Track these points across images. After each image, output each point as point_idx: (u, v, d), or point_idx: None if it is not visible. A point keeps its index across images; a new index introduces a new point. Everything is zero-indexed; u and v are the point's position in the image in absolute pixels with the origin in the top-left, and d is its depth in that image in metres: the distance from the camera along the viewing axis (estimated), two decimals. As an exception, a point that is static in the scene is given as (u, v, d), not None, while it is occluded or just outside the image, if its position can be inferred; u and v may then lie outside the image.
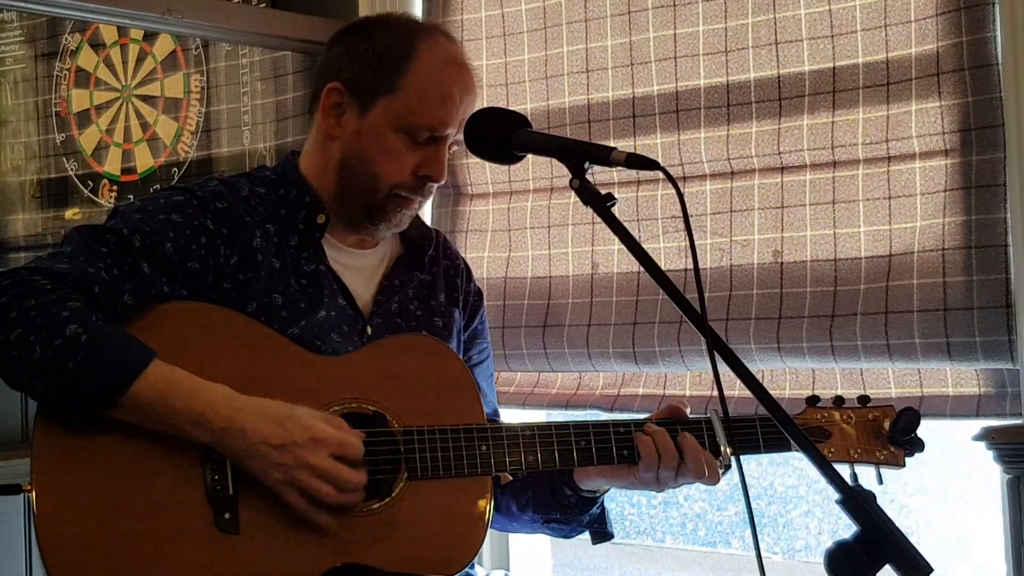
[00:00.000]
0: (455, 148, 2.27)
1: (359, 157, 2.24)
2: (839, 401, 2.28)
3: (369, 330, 2.27)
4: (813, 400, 2.29)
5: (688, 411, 2.27)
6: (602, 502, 2.37)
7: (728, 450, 2.18)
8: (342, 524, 2.04)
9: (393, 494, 2.09)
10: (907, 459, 2.26)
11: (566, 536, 2.45)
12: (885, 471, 2.24)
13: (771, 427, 2.22)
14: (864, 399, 2.28)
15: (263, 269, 2.18)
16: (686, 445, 2.18)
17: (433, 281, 2.41)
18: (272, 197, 2.27)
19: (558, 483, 2.32)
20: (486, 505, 2.15)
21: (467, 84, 2.25)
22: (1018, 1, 2.67)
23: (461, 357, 2.37)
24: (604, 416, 3.35)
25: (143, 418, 1.96)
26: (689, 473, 2.18)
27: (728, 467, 2.20)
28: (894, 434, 2.24)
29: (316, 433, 2.00)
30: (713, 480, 2.19)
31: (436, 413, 2.15)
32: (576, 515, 2.35)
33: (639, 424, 2.23)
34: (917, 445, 2.25)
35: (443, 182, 2.26)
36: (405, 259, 2.39)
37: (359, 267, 2.32)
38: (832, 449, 2.23)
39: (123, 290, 2.03)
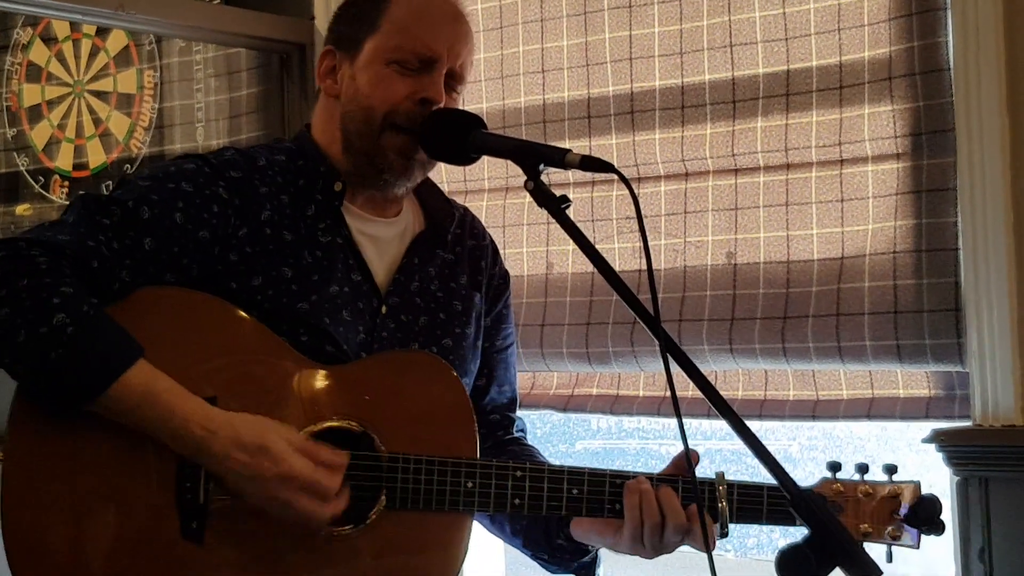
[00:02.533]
0: (457, 91, 2.19)
1: (354, 98, 2.16)
2: (862, 469, 2.08)
3: (384, 309, 2.18)
4: (834, 466, 2.09)
5: (697, 466, 2.05)
6: (596, 552, 2.25)
7: (724, 515, 2.04)
8: (309, 547, 1.99)
9: (368, 521, 2.02)
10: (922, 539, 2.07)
11: (550, 572, 2.33)
12: (897, 549, 2.07)
13: (778, 498, 2.05)
14: (891, 469, 2.07)
15: (271, 243, 2.09)
16: (666, 504, 2.05)
17: (456, 261, 2.31)
18: (292, 167, 2.18)
19: (553, 528, 2.22)
20: (462, 544, 2.07)
21: (452, 12, 2.21)
22: (970, 6, 2.70)
23: (481, 342, 2.30)
24: (557, 416, 3.36)
25: (118, 419, 1.92)
26: (673, 534, 2.04)
27: (726, 535, 2.03)
28: (910, 521, 2.05)
29: (286, 471, 1.93)
30: (701, 546, 2.00)
31: (426, 441, 2.05)
32: (566, 560, 2.25)
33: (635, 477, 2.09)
34: (936, 528, 2.05)
35: (441, 104, 2.13)
36: (427, 236, 2.28)
37: (382, 237, 2.23)
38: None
39: (122, 266, 1.96)
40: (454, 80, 2.18)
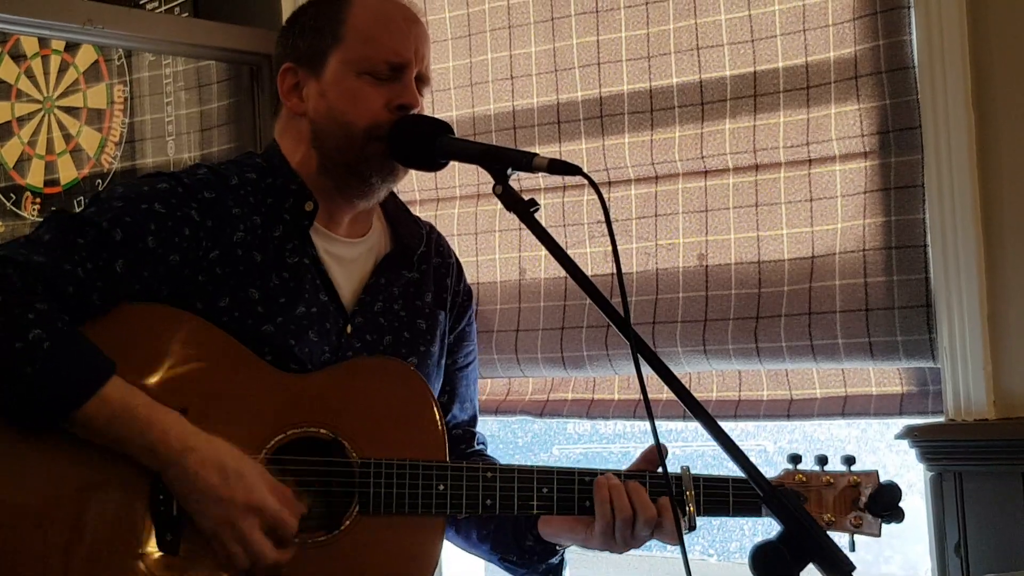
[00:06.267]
0: (423, 95, 2.21)
1: (328, 115, 2.18)
2: (821, 461, 2.17)
3: (349, 329, 2.20)
4: (795, 459, 2.19)
5: (666, 456, 2.10)
6: (562, 554, 2.30)
7: (691, 509, 2.09)
8: (284, 553, 1.99)
9: (341, 527, 2.04)
10: (883, 527, 2.16)
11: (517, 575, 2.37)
12: (860, 538, 2.15)
13: (744, 491, 2.12)
14: (849, 460, 2.17)
15: (242, 264, 2.11)
16: (636, 498, 2.10)
17: (421, 279, 2.35)
18: (262, 184, 2.19)
19: (522, 528, 2.26)
20: (435, 547, 2.10)
21: (410, 14, 2.22)
22: (933, 5, 2.71)
23: (444, 360, 2.33)
24: (539, 424, 3.36)
25: (92, 436, 1.92)
26: (643, 529, 2.10)
27: (693, 528, 2.09)
28: (872, 509, 2.14)
29: (256, 501, 1.95)
30: (671, 539, 2.11)
31: (396, 445, 2.08)
32: (533, 562, 2.29)
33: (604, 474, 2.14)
34: (897, 516, 2.15)
35: (419, 108, 2.17)
36: (394, 256, 2.31)
37: (349, 258, 2.26)
38: None
39: (94, 288, 1.97)
40: (421, 82, 2.20)
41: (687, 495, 2.10)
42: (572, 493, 2.12)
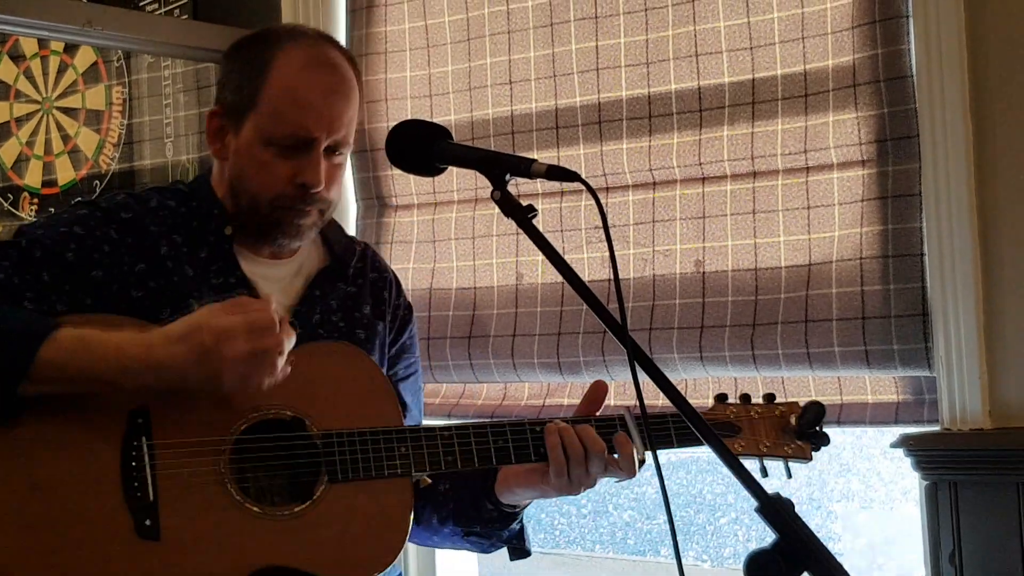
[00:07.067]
0: (341, 153, 2.24)
1: (239, 176, 2.23)
2: (746, 399, 2.31)
3: None
4: (722, 397, 2.33)
5: (611, 393, 2.30)
6: (522, 519, 2.38)
7: (640, 444, 2.20)
8: (266, 527, 2.04)
9: (314, 497, 2.09)
10: (813, 452, 2.29)
11: (485, 551, 2.45)
12: (794, 465, 2.27)
13: (683, 422, 2.24)
14: (770, 396, 2.31)
15: (176, 275, 2.17)
16: (586, 437, 2.19)
17: (358, 293, 2.40)
18: (183, 209, 2.25)
19: (480, 496, 2.32)
20: (407, 506, 2.15)
21: (330, 84, 2.21)
22: (931, 14, 2.72)
23: (384, 370, 2.37)
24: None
25: (59, 383, 1.95)
26: (596, 465, 2.19)
27: (643, 462, 2.21)
28: (801, 427, 2.27)
29: (222, 328, 1.96)
30: (627, 471, 2.21)
31: (355, 417, 2.15)
32: (496, 530, 2.35)
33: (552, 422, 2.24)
34: (823, 439, 2.27)
35: (321, 188, 2.19)
36: (329, 270, 2.37)
37: (275, 278, 2.30)
38: (741, 444, 2.26)
39: (24, 297, 2.04)
40: (338, 146, 2.23)
41: (634, 438, 2.21)
42: (526, 441, 2.21)
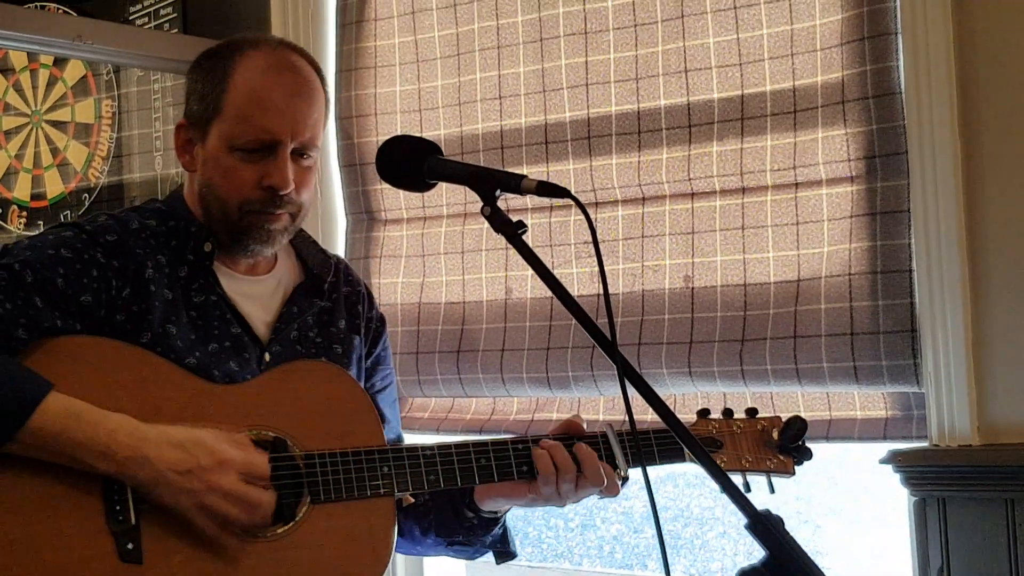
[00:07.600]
0: (310, 156, 2.23)
1: (208, 184, 2.22)
2: (728, 414, 2.32)
3: (267, 357, 2.26)
4: (704, 412, 2.33)
5: (584, 426, 2.30)
6: (504, 522, 2.39)
7: (623, 461, 2.22)
8: (248, 550, 2.04)
9: (297, 518, 2.09)
10: (796, 467, 2.30)
11: (470, 558, 2.46)
12: (776, 480, 2.28)
13: (666, 438, 2.26)
14: (752, 411, 2.33)
15: (156, 299, 2.16)
16: (582, 455, 2.21)
17: (333, 308, 2.40)
18: (163, 229, 2.25)
19: (459, 505, 2.33)
20: (390, 526, 2.16)
21: (292, 87, 2.21)
22: (920, 31, 2.73)
23: (362, 383, 2.38)
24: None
25: (44, 452, 1.94)
26: (588, 483, 2.21)
27: (626, 479, 2.23)
28: (783, 442, 2.28)
29: (222, 455, 2.00)
30: (613, 491, 2.23)
31: (337, 437, 2.16)
32: (479, 536, 2.36)
33: (536, 440, 2.25)
34: (805, 453, 2.29)
35: (290, 190, 2.19)
36: (305, 287, 2.37)
37: (255, 294, 2.31)
38: (724, 459, 2.27)
39: (17, 324, 2.02)
40: (305, 149, 2.23)
41: (617, 456, 2.24)
42: (509, 460, 2.23)
